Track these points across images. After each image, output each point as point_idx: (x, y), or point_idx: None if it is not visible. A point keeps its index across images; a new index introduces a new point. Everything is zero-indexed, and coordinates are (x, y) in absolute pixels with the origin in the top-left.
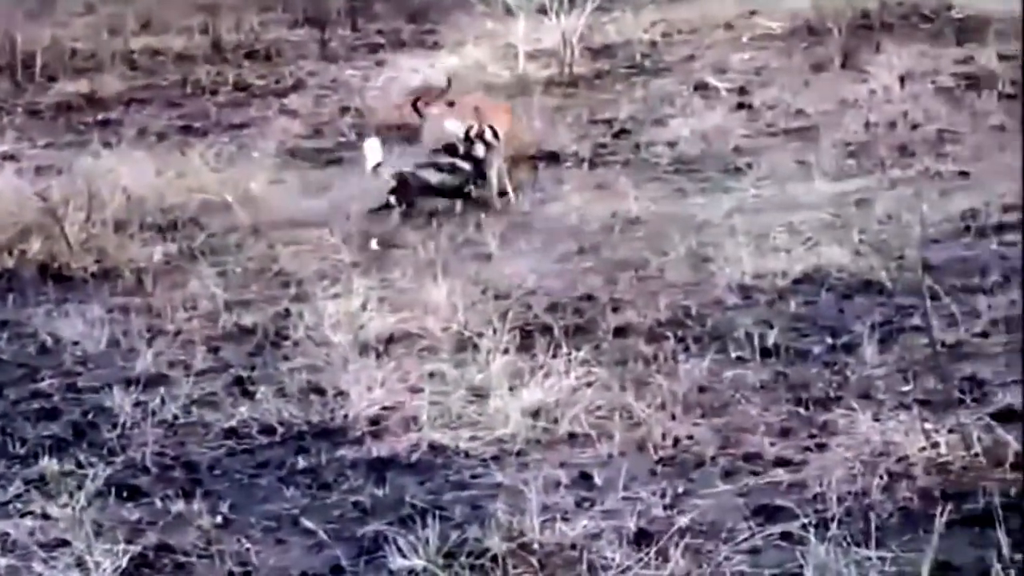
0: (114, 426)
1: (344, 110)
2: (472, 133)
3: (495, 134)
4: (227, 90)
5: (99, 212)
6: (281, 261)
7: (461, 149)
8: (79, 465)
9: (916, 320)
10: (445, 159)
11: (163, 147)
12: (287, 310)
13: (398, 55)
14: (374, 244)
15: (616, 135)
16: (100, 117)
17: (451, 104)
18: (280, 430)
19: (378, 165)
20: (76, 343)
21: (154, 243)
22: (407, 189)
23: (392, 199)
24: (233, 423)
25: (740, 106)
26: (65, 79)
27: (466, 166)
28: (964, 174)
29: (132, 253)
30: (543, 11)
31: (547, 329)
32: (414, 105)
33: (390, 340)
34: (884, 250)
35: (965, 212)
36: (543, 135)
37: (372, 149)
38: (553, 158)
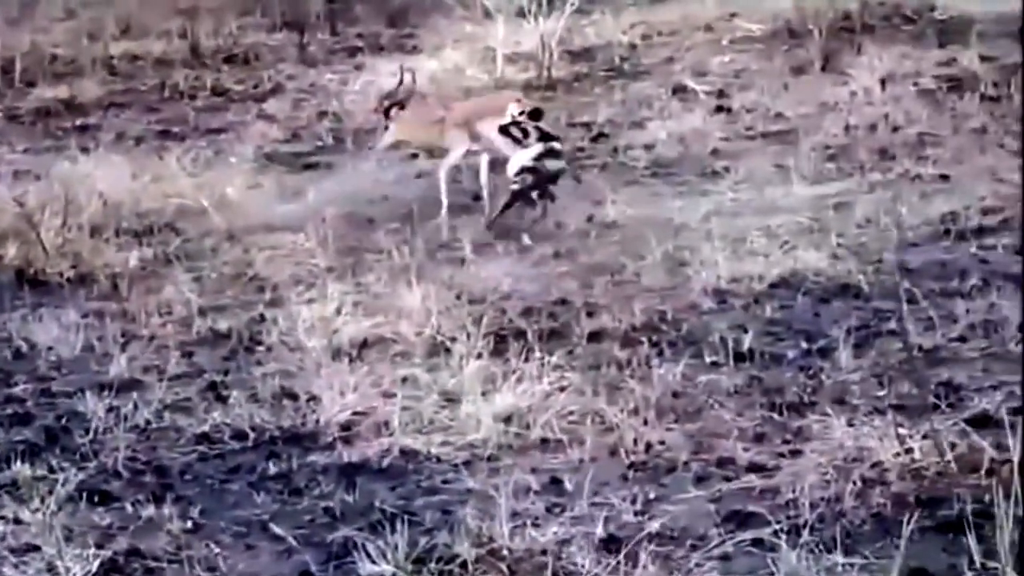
0: (87, 431)
1: (322, 114)
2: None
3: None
4: (205, 95)
5: (75, 217)
6: (256, 266)
7: (530, 131)
8: (51, 470)
9: (892, 325)
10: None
11: (141, 151)
12: (262, 315)
13: (376, 59)
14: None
15: (594, 138)
16: (79, 122)
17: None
18: (252, 435)
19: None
20: (51, 348)
21: (130, 248)
22: (540, 180)
23: (533, 194)
24: (205, 428)
25: (719, 109)
26: (44, 84)
27: (559, 147)
28: (944, 177)
29: (107, 258)
30: (522, 14)
31: (521, 334)
32: (386, 112)
33: (364, 345)
34: (862, 254)
35: (944, 215)
36: None
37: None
38: None
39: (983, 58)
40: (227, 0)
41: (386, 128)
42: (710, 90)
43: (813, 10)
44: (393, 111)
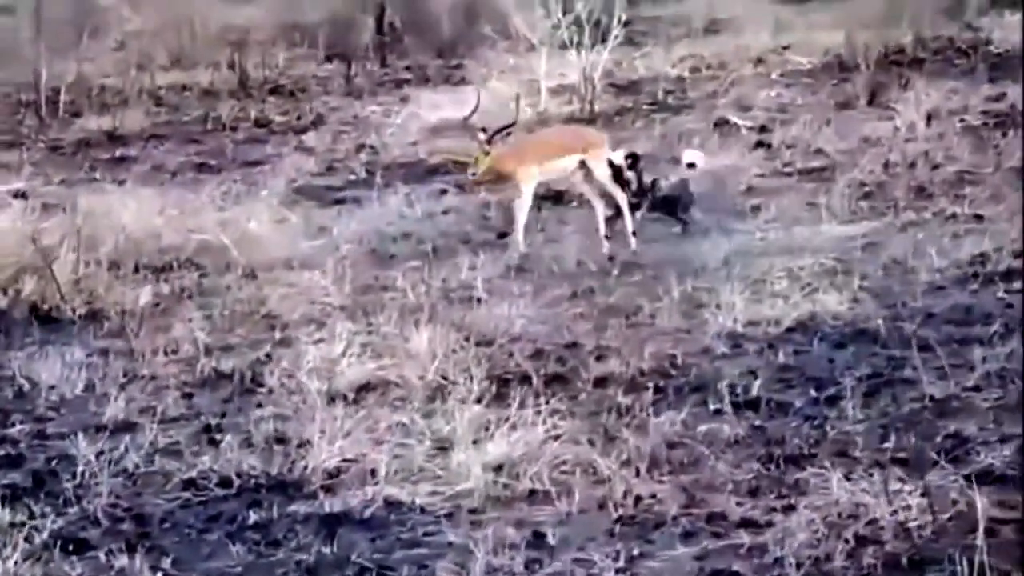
0: (74, 475)
1: (360, 147)
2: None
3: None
4: (247, 126)
5: (94, 252)
6: (270, 304)
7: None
8: (32, 515)
9: (907, 372)
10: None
11: (175, 184)
12: (268, 355)
13: (422, 91)
14: None
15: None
16: (118, 153)
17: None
18: (237, 482)
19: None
20: (52, 387)
21: (146, 284)
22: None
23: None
24: (193, 473)
25: (759, 144)
26: (90, 114)
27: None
28: (979, 217)
29: (121, 295)
30: (565, 47)
31: (526, 378)
32: (489, 139)
33: (365, 388)
34: (884, 297)
35: (975, 257)
36: None
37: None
38: (559, 198)
39: None
40: (277, 32)
41: (486, 153)
42: (752, 125)
43: (864, 44)
44: (498, 137)
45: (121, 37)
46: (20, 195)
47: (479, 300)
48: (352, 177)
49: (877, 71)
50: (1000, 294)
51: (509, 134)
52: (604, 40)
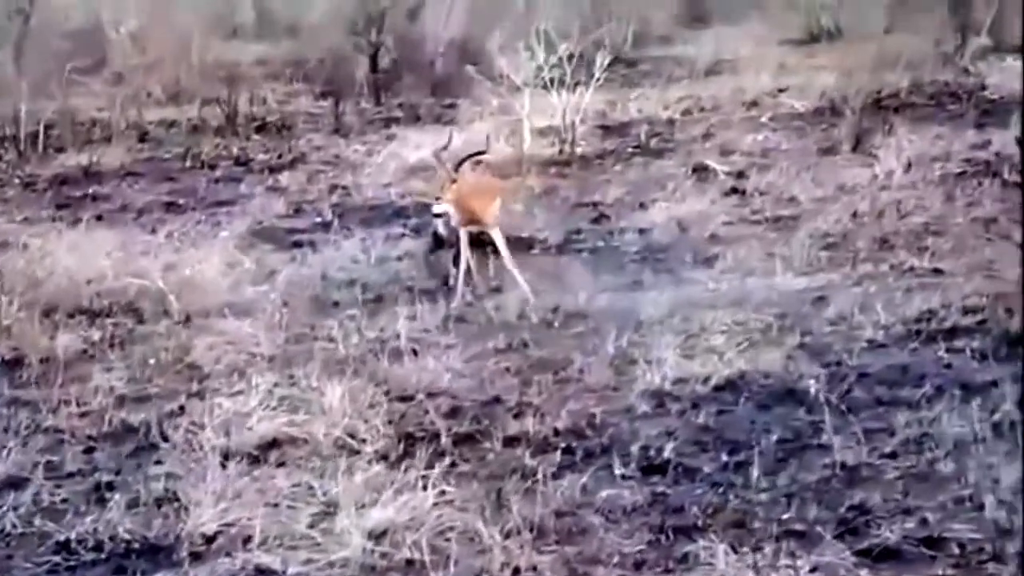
0: None
1: (333, 188)
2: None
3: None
4: (227, 164)
5: (33, 292)
6: (196, 353)
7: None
8: None
9: (824, 437)
10: None
11: (135, 224)
12: (181, 407)
13: (408, 130)
14: None
15: (595, 220)
16: (91, 191)
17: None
18: (109, 546)
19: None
20: None
21: (78, 330)
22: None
23: None
24: (72, 535)
25: (733, 191)
26: (73, 150)
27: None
28: (937, 271)
29: (49, 341)
30: (547, 87)
31: (435, 437)
32: (457, 166)
33: (271, 444)
34: (822, 355)
35: (923, 314)
36: (520, 220)
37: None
38: (522, 244)
39: (1020, 141)
40: (278, 67)
41: (452, 181)
42: (730, 170)
43: (855, 88)
44: (465, 166)
45: (120, 70)
46: None
47: (413, 352)
48: (318, 219)
49: (865, 116)
50: (941, 353)
51: (479, 162)
52: (592, 79)
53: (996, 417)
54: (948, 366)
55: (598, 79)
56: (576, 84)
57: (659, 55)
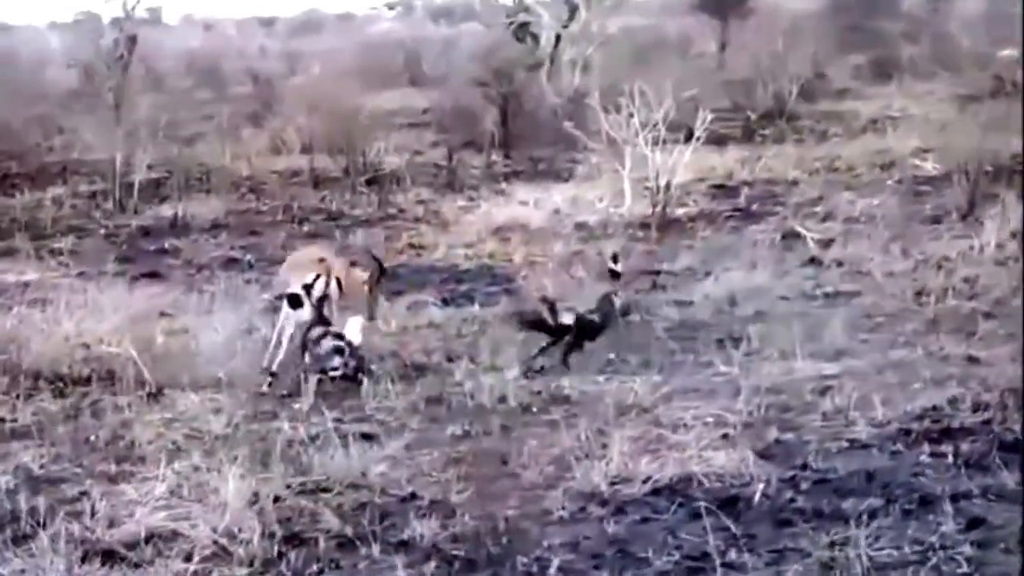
0: None
1: (401, 250)
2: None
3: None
4: (319, 218)
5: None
6: (136, 430)
7: None
8: None
9: (733, 554)
10: None
11: (185, 282)
12: (85, 492)
13: (516, 186)
14: None
15: (648, 290)
16: (166, 244)
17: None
18: None
19: None
20: None
21: (37, 400)
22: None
23: None
24: None
25: (811, 260)
26: (174, 201)
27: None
28: (972, 359)
29: (11, 408)
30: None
31: (315, 541)
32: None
33: (149, 539)
34: (794, 455)
35: (926, 411)
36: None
37: None
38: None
39: None
40: (416, 118)
41: None
42: (820, 237)
43: (993, 151)
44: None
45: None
46: (24, 286)
47: (365, 437)
48: None
49: (987, 182)
50: (923, 457)
51: None
52: (688, 139)
53: (931, 539)
54: (919, 474)
55: (699, 138)
56: (685, 140)
57: (827, 109)
